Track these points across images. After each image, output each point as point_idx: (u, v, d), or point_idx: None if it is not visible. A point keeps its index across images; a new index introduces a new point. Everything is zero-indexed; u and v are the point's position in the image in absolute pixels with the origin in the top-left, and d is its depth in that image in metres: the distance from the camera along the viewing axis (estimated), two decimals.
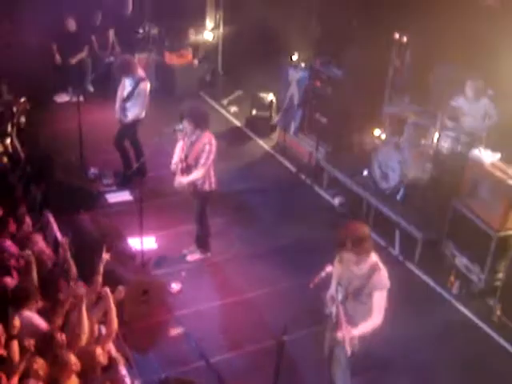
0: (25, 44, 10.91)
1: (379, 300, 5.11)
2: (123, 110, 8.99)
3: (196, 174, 7.19)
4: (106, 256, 6.08)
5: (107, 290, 5.56)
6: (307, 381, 6.24)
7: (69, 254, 6.25)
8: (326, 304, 5.40)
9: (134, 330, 6.37)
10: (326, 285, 5.17)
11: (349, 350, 5.07)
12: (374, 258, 5.20)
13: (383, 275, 5.12)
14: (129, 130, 9.14)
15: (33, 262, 5.92)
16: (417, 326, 5.64)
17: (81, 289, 5.56)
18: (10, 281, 5.78)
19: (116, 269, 6.49)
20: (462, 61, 8.45)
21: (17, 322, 5.13)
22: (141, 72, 9.06)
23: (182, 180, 7.22)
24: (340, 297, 5.21)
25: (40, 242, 6.54)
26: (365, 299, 5.14)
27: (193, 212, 7.68)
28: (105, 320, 5.55)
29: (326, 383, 5.82)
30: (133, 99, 8.90)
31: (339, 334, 5.06)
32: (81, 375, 4.94)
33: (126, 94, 8.95)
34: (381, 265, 5.16)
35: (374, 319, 5.12)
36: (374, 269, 5.11)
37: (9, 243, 6.30)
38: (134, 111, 8.93)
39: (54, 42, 11.78)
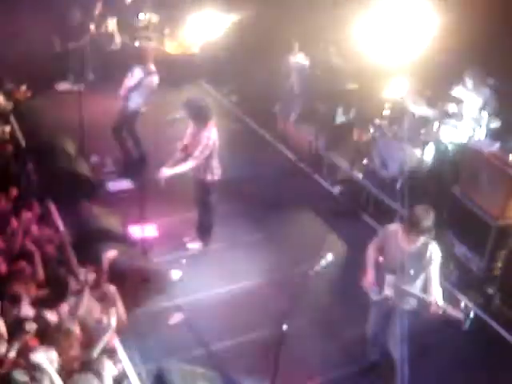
0: (25, 32, 10.87)
1: (434, 272, 5.44)
2: (126, 98, 9.00)
3: (184, 167, 7.11)
4: (111, 254, 6.12)
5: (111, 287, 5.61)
6: (307, 368, 6.25)
7: (68, 244, 6.28)
8: (372, 290, 5.67)
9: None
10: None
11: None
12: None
13: (435, 249, 5.48)
14: (128, 120, 9.16)
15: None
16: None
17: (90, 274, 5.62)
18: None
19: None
20: (463, 50, 8.45)
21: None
22: (152, 65, 9.06)
23: (165, 172, 7.05)
24: (399, 278, 5.49)
25: (47, 231, 6.57)
26: (421, 273, 5.47)
27: (194, 200, 7.71)
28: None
29: (325, 371, 5.87)
30: (139, 89, 8.91)
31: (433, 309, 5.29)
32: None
33: (132, 83, 8.96)
34: (430, 240, 5.54)
35: (435, 292, 5.38)
36: (426, 244, 5.48)
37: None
38: (136, 102, 8.95)
39: (55, 30, 11.76)
